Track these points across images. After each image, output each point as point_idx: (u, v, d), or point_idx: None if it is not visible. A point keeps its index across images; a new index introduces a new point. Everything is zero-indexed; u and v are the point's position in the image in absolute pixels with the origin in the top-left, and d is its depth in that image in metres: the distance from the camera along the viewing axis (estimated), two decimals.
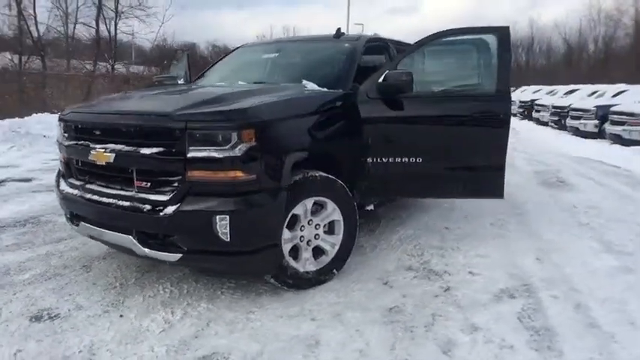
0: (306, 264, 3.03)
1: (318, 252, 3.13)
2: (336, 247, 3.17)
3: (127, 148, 2.68)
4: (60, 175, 3.24)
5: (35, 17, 15.76)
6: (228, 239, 2.52)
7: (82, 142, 2.93)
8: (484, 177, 3.59)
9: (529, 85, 24.23)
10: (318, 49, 4.28)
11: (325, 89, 3.36)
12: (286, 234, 2.88)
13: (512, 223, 4.61)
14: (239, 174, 2.50)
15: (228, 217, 2.48)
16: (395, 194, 3.77)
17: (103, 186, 2.88)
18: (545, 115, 14.75)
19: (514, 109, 19.74)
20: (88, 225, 2.95)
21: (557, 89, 16.67)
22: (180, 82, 4.49)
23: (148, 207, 2.61)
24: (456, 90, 3.79)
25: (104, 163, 2.77)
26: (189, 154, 2.50)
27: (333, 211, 3.10)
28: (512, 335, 2.57)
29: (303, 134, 2.91)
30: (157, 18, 20.12)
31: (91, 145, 2.84)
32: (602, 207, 5.28)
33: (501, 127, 3.47)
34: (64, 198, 3.05)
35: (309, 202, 2.96)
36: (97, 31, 17.71)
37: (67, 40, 17.83)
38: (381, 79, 3.39)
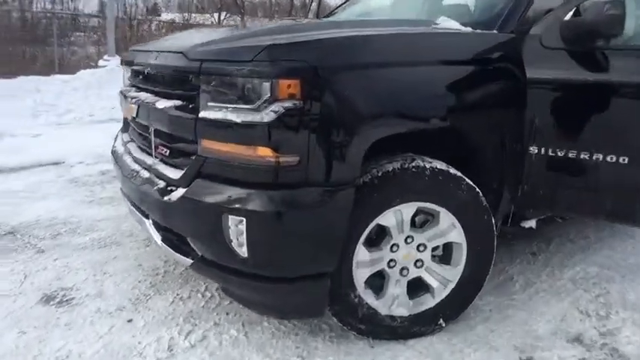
0: (394, 304, 1.92)
1: (418, 288, 1.99)
2: (451, 286, 1.97)
3: (148, 99, 1.92)
4: (120, 129, 2.71)
5: None
6: (246, 254, 1.57)
7: (128, 88, 2.30)
8: None
9: None
10: None
11: (466, 29, 2.06)
12: (363, 254, 1.81)
13: None
14: (269, 153, 1.50)
15: (245, 220, 1.52)
16: (571, 211, 2.29)
17: (137, 148, 2.21)
18: None
19: None
20: (122, 192, 2.35)
21: None
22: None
23: (161, 184, 1.83)
24: None
25: (130, 118, 2.08)
26: (202, 113, 1.60)
27: (449, 228, 1.89)
28: None
29: (399, 97, 1.72)
30: None
31: (128, 94, 2.17)
32: None
33: None
34: (113, 156, 2.50)
35: (407, 209, 1.81)
36: None
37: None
38: (568, 16, 1.96)
